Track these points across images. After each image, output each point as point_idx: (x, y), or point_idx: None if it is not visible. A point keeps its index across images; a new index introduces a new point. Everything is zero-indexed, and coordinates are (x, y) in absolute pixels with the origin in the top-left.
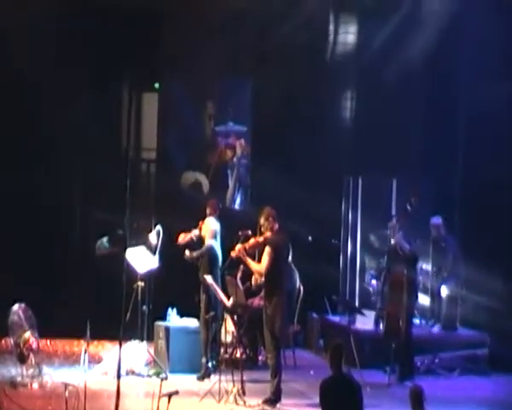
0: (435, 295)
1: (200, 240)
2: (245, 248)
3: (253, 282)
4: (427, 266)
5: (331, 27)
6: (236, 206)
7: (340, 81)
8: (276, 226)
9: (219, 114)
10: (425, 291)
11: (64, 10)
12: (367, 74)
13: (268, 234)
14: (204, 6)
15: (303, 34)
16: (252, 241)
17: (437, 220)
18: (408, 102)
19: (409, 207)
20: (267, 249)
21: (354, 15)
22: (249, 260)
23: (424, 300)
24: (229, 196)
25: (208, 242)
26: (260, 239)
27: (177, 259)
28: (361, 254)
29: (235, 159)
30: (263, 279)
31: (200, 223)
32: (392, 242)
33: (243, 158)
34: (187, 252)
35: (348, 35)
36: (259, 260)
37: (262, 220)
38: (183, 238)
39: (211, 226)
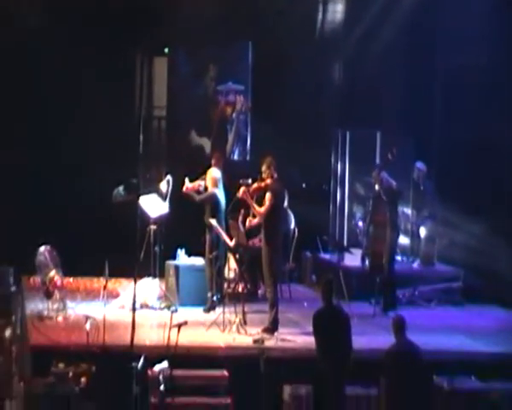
0: (415, 235)
1: (206, 189)
2: (249, 191)
3: (246, 224)
4: (407, 209)
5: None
6: (235, 157)
7: (331, 47)
8: (276, 175)
9: (220, 75)
10: (405, 232)
11: None
12: (354, 43)
13: (268, 181)
14: None
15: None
16: (254, 185)
17: (421, 165)
18: (391, 65)
19: (390, 157)
20: (268, 195)
21: None
22: (251, 202)
23: (405, 239)
24: (229, 148)
25: (211, 189)
26: (262, 185)
27: (185, 205)
28: (349, 200)
29: (234, 114)
30: (255, 221)
31: (206, 173)
32: (376, 187)
33: (242, 113)
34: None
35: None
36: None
37: (264, 168)
38: (191, 188)
39: (213, 175)
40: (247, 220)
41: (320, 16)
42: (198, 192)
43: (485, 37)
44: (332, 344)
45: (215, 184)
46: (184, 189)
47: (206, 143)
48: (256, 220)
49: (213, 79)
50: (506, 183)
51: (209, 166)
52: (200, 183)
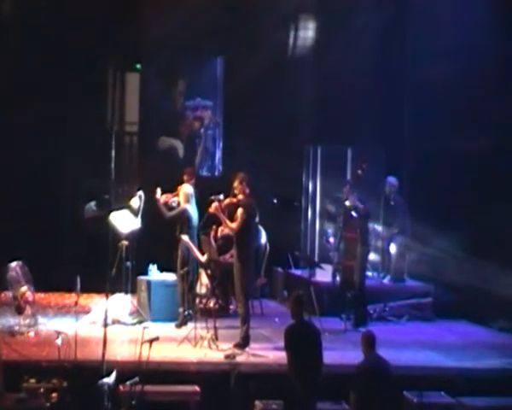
0: (385, 250)
1: (179, 204)
2: (221, 207)
3: (218, 233)
4: (377, 225)
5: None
6: (204, 172)
7: (302, 64)
8: (248, 190)
9: (189, 91)
10: (376, 248)
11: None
12: (325, 59)
13: (240, 197)
14: None
15: (268, 22)
16: (226, 201)
17: (392, 179)
18: (362, 80)
19: (360, 172)
20: (240, 211)
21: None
22: (223, 217)
23: (375, 255)
24: (197, 163)
25: (182, 205)
26: (234, 200)
27: (156, 220)
28: (320, 216)
29: (202, 130)
30: (226, 231)
31: (178, 189)
32: (347, 204)
33: (209, 129)
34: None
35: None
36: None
37: (236, 184)
38: (164, 198)
39: (185, 191)
40: (219, 230)
41: (292, 34)
42: (169, 208)
43: (454, 49)
44: (303, 360)
45: (187, 200)
46: (158, 196)
47: (179, 144)
48: (227, 230)
49: (182, 95)
50: (476, 196)
51: (181, 183)
52: (172, 199)
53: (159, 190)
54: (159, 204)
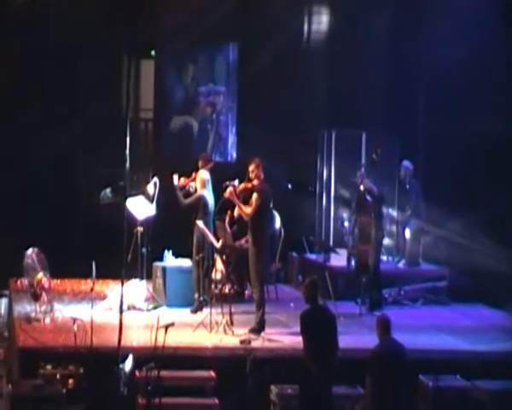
0: (400, 234)
1: (195, 191)
2: (235, 192)
3: (235, 213)
4: (392, 209)
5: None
6: (217, 158)
7: (317, 50)
8: (262, 176)
9: (201, 77)
10: (391, 232)
11: None
12: (339, 46)
13: (255, 182)
14: None
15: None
16: (241, 186)
17: (408, 163)
18: (375, 66)
19: (374, 157)
20: (254, 196)
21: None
22: (238, 202)
23: (390, 239)
24: (210, 148)
25: (200, 192)
26: (249, 185)
27: (171, 207)
28: (335, 201)
29: (214, 115)
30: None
31: (194, 175)
32: (361, 188)
33: (222, 115)
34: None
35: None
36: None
37: (251, 168)
38: (183, 182)
39: (201, 177)
40: (235, 211)
41: (306, 20)
42: (186, 193)
43: (467, 33)
44: (319, 344)
45: (203, 186)
46: (175, 182)
47: (193, 122)
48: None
49: (194, 81)
50: (490, 179)
51: (197, 169)
52: (190, 184)
53: (175, 177)
54: (176, 191)
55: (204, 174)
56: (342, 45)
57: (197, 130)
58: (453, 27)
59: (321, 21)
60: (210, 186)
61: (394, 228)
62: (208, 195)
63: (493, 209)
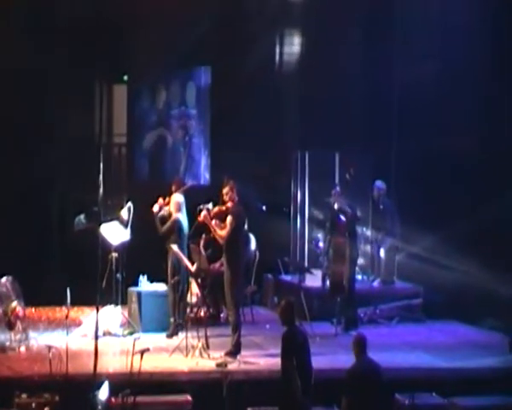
0: (374, 253)
1: (170, 215)
2: (210, 215)
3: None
4: (366, 229)
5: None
6: (189, 181)
7: (289, 71)
8: (236, 198)
9: (174, 100)
10: (365, 252)
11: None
12: (311, 66)
13: (229, 204)
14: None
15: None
16: (215, 209)
17: (380, 184)
18: (348, 85)
19: (348, 177)
20: (229, 218)
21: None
22: (213, 225)
23: (365, 258)
24: (182, 171)
25: (174, 215)
26: (223, 208)
27: (146, 231)
28: (309, 221)
29: (186, 138)
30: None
31: (167, 199)
32: (336, 206)
33: (194, 137)
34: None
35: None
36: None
37: (225, 191)
38: (161, 202)
39: (176, 200)
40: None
41: (278, 43)
42: (161, 218)
43: (440, 50)
44: (301, 365)
45: (178, 210)
46: (155, 209)
47: (166, 133)
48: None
49: (166, 104)
50: (464, 196)
51: (170, 193)
52: (165, 210)
53: (156, 206)
54: (155, 219)
55: (178, 197)
56: (314, 67)
57: (171, 145)
58: (425, 44)
59: (293, 43)
60: (184, 209)
61: (368, 247)
62: (183, 218)
63: (467, 225)
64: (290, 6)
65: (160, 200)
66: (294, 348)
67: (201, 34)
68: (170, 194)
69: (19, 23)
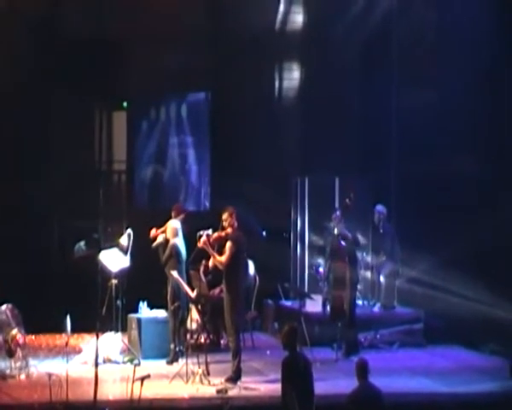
0: (375, 278)
1: (167, 241)
2: (209, 241)
3: (210, 264)
4: (366, 255)
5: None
6: (190, 207)
7: (289, 98)
8: (236, 224)
9: (173, 127)
10: (365, 277)
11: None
12: (311, 93)
13: (229, 230)
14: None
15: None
16: (215, 235)
17: (381, 208)
18: (346, 111)
19: (348, 202)
20: (228, 244)
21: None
22: (212, 251)
23: (365, 284)
24: (182, 199)
25: (172, 241)
26: (223, 234)
27: (146, 258)
28: (309, 247)
29: (186, 166)
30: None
31: (163, 228)
32: (336, 231)
33: (194, 165)
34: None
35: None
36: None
37: (225, 217)
38: (153, 233)
39: (172, 226)
40: (210, 261)
41: (277, 72)
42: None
43: (437, 74)
44: (301, 391)
45: (175, 235)
46: (152, 234)
47: (162, 169)
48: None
49: (166, 132)
50: (463, 219)
51: (169, 218)
52: (162, 237)
53: (160, 236)
54: (159, 249)
55: (174, 223)
56: (313, 93)
57: (167, 178)
58: (422, 69)
59: (292, 70)
60: (181, 235)
61: (369, 272)
62: (180, 243)
63: (467, 249)
64: (289, 35)
65: (153, 231)
66: (294, 374)
67: (201, 60)
68: (168, 220)
69: (18, 51)
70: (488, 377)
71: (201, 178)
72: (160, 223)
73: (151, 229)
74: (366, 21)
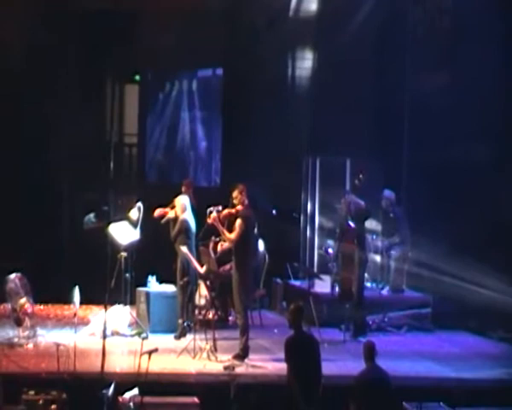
0: (384, 261)
1: (176, 217)
2: (219, 217)
3: (219, 248)
4: (375, 238)
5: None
6: (200, 183)
7: (302, 77)
8: (246, 201)
9: (186, 102)
10: (374, 260)
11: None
12: (324, 74)
13: (239, 207)
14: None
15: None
16: (225, 211)
17: (389, 193)
18: (360, 93)
19: (357, 182)
20: (238, 221)
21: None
22: (222, 228)
23: (374, 266)
24: (192, 173)
25: (181, 217)
26: (233, 211)
27: (155, 232)
28: (319, 227)
29: (196, 141)
30: (227, 245)
31: (174, 201)
32: (344, 214)
33: (204, 140)
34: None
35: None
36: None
37: (235, 194)
38: (158, 212)
39: (181, 202)
40: (219, 245)
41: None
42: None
43: (452, 60)
44: (304, 371)
45: (184, 210)
46: (156, 213)
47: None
48: (227, 245)
49: (178, 106)
50: (475, 206)
51: (179, 194)
52: (170, 214)
53: (171, 212)
54: (169, 225)
55: (183, 199)
56: (327, 73)
57: (178, 153)
58: (437, 53)
59: (306, 51)
60: (190, 210)
61: (378, 255)
62: (190, 219)
63: (478, 235)
64: (303, 21)
65: (158, 210)
66: (296, 354)
67: (215, 38)
68: (178, 195)
69: (31, 22)
70: (496, 363)
71: (212, 155)
72: (170, 198)
73: (157, 208)
74: (380, 8)
